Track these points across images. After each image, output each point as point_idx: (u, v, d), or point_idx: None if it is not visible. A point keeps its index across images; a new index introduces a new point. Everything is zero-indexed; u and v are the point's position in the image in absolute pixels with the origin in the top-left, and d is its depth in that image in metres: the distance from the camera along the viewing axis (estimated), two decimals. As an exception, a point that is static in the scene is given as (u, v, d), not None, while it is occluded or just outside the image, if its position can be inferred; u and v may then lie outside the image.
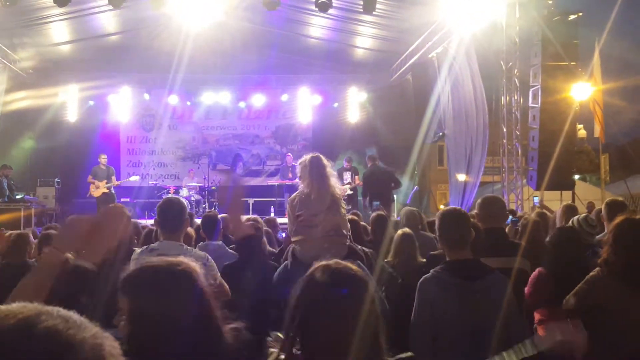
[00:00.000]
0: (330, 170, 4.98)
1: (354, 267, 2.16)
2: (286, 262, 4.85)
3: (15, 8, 12.23)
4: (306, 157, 5.00)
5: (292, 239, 4.89)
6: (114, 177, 15.67)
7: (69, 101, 19.41)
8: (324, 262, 2.16)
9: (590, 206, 11.23)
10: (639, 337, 3.40)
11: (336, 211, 4.84)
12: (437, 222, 3.67)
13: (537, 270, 4.44)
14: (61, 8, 12.84)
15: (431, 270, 3.52)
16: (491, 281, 3.38)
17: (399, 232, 5.49)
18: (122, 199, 16.80)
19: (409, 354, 2.15)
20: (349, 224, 5.08)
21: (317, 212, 4.76)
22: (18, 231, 6.33)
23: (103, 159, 15.78)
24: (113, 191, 15.66)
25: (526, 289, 4.42)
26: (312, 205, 4.80)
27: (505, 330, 3.25)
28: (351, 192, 15.56)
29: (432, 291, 3.40)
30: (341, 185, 15.09)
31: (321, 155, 5.04)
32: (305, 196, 4.87)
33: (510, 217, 7.58)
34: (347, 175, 15.70)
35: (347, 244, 4.83)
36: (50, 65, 18.76)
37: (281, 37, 17.36)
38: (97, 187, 15.19)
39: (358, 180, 15.68)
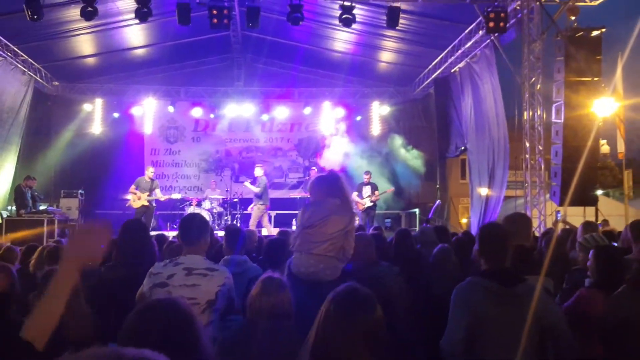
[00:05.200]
0: (348, 187, 4.96)
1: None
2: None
3: (41, 21, 12.39)
4: (323, 174, 4.96)
5: (295, 250, 4.84)
6: (157, 190, 15.32)
7: (93, 113, 19.70)
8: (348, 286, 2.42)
9: (604, 223, 11.06)
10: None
11: (348, 233, 4.80)
12: (477, 236, 3.67)
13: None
14: (88, 22, 13.02)
15: (467, 279, 3.50)
16: (530, 288, 3.34)
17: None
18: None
19: None
20: (352, 249, 4.89)
21: (332, 230, 4.72)
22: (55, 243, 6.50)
23: (150, 171, 15.43)
24: (154, 204, 15.40)
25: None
26: (329, 222, 4.75)
27: (552, 344, 3.25)
28: (371, 204, 15.62)
29: (470, 296, 3.37)
30: (361, 199, 15.30)
31: (340, 174, 5.04)
32: (326, 215, 4.78)
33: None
34: (367, 190, 15.69)
35: (341, 267, 4.78)
36: (76, 78, 19.06)
37: (305, 51, 17.51)
38: (139, 198, 14.89)
39: (377, 195, 15.70)
